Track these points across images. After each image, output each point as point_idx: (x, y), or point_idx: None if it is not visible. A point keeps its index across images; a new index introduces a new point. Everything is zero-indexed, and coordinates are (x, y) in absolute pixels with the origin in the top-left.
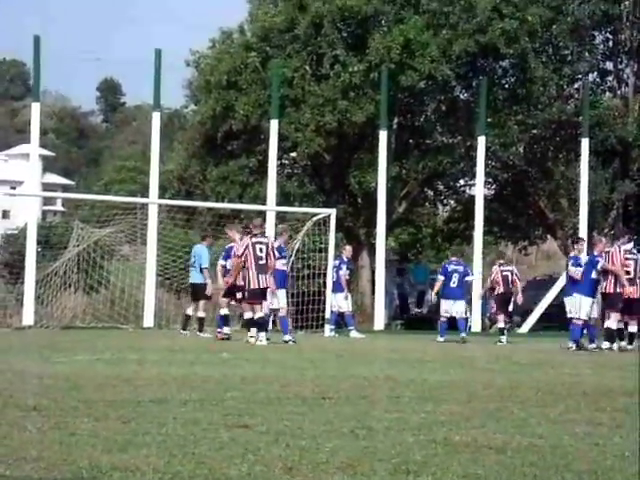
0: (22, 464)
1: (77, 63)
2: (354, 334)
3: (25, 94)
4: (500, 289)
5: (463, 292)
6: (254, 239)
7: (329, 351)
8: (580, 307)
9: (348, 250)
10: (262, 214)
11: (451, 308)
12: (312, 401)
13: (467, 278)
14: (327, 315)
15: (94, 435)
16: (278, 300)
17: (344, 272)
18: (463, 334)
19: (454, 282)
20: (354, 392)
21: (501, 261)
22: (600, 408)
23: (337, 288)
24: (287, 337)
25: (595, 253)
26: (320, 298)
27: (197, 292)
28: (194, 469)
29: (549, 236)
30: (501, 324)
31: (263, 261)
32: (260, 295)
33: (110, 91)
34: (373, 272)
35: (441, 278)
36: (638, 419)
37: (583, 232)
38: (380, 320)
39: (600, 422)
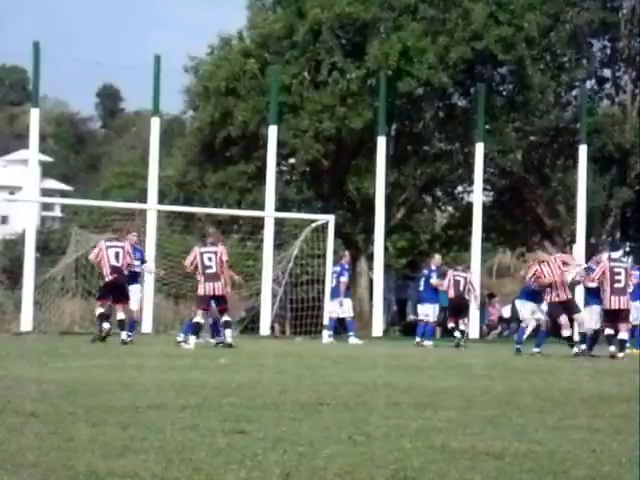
0: (20, 470)
1: (76, 69)
2: (353, 340)
3: (24, 100)
4: (451, 293)
5: (430, 295)
6: (203, 248)
7: (327, 357)
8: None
9: (347, 256)
10: (261, 220)
11: (421, 311)
12: (310, 407)
13: (431, 280)
14: (325, 321)
15: (92, 441)
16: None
17: (345, 279)
18: (417, 338)
19: (420, 286)
20: (352, 398)
21: (458, 267)
22: (598, 414)
23: (335, 294)
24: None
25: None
26: (318, 304)
27: None
28: (192, 475)
29: (547, 243)
30: (450, 324)
31: (212, 270)
32: (207, 301)
33: (109, 97)
34: (371, 279)
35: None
36: (637, 425)
37: (581, 239)
38: (378, 326)
39: (598, 428)
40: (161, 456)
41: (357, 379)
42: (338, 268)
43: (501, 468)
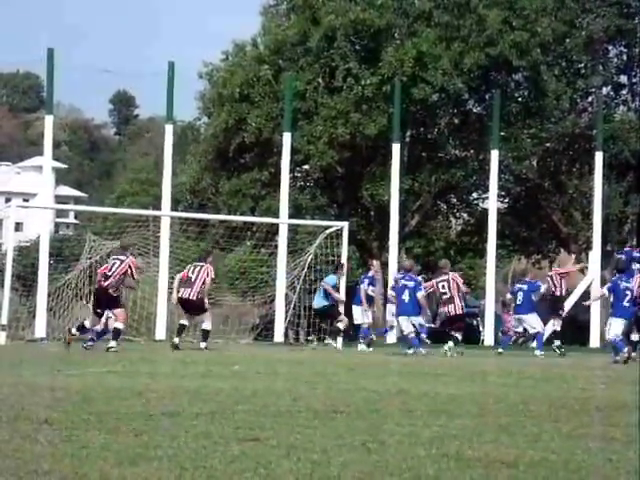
0: (34, 477)
1: (90, 75)
2: (361, 347)
3: (38, 106)
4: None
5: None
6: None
7: (340, 364)
8: None
9: (376, 265)
10: (274, 227)
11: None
12: (323, 414)
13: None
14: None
15: (105, 448)
16: None
17: (364, 287)
18: (538, 351)
19: (518, 299)
20: (366, 406)
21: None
22: (613, 423)
23: (356, 301)
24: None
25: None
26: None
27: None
28: None
29: (562, 250)
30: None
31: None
32: None
33: (123, 103)
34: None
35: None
36: None
37: (597, 246)
38: (392, 333)
39: (613, 437)
40: (174, 464)
41: (371, 386)
42: (362, 276)
43: (515, 477)
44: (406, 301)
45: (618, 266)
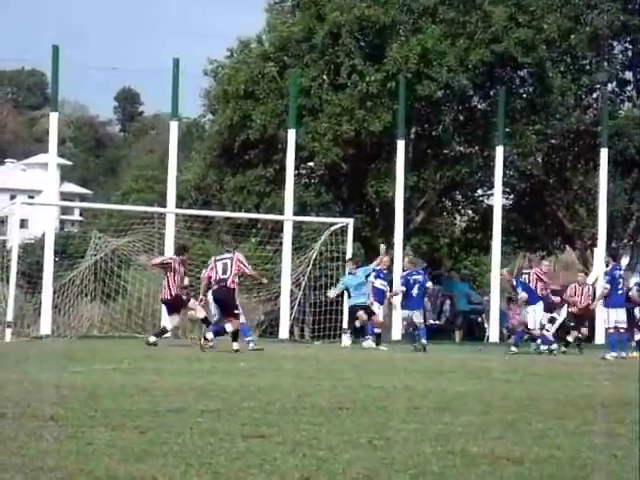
0: (39, 474)
1: (95, 72)
2: (366, 344)
3: (43, 103)
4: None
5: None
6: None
7: (346, 361)
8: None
9: (385, 261)
10: (279, 224)
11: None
12: (329, 411)
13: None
14: (344, 325)
15: (111, 445)
16: None
17: (372, 280)
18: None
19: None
20: (371, 402)
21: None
22: (619, 420)
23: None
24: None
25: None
26: (337, 308)
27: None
28: (211, 479)
29: (567, 246)
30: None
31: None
32: None
33: (128, 100)
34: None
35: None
36: None
37: (602, 243)
38: (397, 330)
39: (619, 434)
40: (180, 460)
41: (376, 383)
42: (374, 273)
43: (521, 473)
44: (414, 295)
45: (612, 253)
